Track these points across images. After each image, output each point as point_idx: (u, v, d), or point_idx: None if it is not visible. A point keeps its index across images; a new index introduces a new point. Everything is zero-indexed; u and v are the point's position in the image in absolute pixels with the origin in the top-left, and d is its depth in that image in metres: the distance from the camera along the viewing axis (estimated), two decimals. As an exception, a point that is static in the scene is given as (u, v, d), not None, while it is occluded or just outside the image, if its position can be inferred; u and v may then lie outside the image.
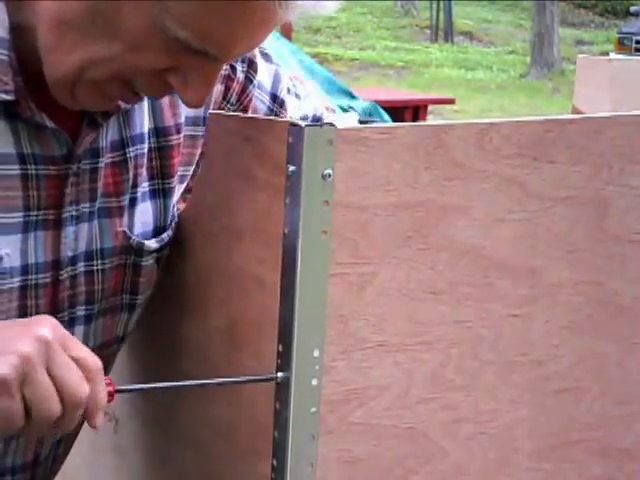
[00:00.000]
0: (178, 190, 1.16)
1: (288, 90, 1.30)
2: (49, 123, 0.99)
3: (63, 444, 1.19)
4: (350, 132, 0.93)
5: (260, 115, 1.23)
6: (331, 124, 0.92)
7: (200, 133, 1.16)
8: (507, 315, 1.06)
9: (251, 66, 1.23)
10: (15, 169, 0.99)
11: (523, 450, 1.11)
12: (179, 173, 1.15)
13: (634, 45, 13.51)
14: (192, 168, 1.17)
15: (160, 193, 1.13)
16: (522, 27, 19.05)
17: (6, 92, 0.96)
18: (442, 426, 1.05)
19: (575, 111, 3.92)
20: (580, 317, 1.11)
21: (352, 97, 5.64)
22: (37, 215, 1.01)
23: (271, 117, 1.21)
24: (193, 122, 1.15)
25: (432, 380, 1.03)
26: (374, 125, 1.25)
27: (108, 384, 0.92)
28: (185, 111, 1.13)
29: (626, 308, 1.14)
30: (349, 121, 1.42)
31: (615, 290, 1.13)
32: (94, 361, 0.90)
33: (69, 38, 0.93)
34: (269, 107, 1.27)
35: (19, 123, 0.98)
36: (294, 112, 1.30)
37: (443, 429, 1.05)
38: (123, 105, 1.05)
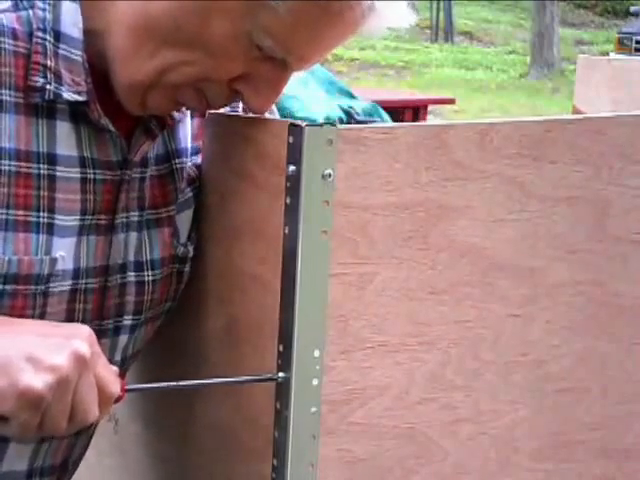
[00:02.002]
0: None
1: None
2: (112, 127, 0.99)
3: (83, 448, 1.19)
4: (350, 132, 0.93)
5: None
6: (331, 124, 0.92)
7: None
8: (507, 315, 1.06)
9: None
10: (76, 172, 0.98)
11: (523, 450, 1.11)
12: None
13: (634, 45, 13.50)
14: None
15: (197, 198, 1.13)
16: (522, 27, 19.04)
17: (79, 93, 0.96)
18: (442, 426, 1.05)
19: (575, 111, 3.93)
20: (580, 317, 1.11)
21: (352, 97, 5.63)
22: (91, 219, 1.01)
23: (271, 117, 1.20)
24: None
25: (432, 380, 1.03)
26: (374, 125, 1.25)
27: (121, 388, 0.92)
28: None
29: (626, 308, 1.14)
30: None
31: (615, 290, 1.13)
32: (114, 388, 0.90)
33: (151, 43, 0.93)
34: None
35: (81, 125, 0.98)
36: None
37: (443, 429, 1.05)
38: (176, 116, 1.06)
